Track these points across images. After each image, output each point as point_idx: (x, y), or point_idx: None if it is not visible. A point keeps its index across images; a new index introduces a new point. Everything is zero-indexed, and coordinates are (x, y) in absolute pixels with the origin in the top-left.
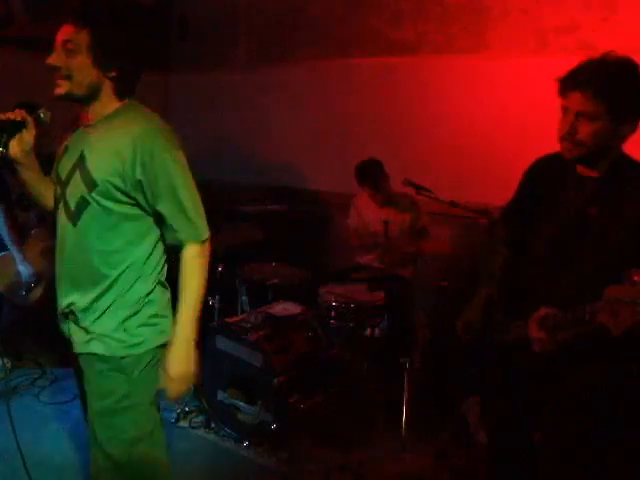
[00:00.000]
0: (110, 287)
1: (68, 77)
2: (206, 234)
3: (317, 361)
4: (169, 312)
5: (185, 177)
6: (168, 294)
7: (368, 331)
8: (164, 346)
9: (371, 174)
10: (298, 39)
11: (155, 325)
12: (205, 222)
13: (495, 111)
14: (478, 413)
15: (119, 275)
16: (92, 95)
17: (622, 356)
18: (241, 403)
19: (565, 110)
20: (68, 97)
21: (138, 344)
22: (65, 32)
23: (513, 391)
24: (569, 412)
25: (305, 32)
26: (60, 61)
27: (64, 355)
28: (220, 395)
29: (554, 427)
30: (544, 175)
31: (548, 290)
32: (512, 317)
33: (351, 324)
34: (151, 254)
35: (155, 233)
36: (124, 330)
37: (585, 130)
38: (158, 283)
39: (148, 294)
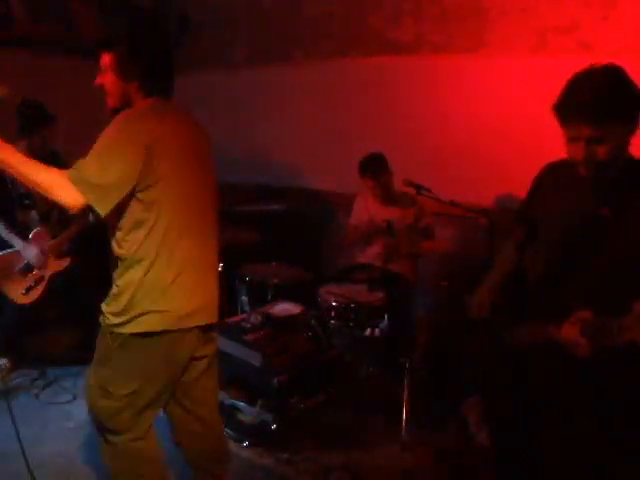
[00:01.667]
0: None
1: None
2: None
3: (317, 361)
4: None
5: (110, 142)
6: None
7: (368, 331)
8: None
9: (372, 166)
10: (298, 39)
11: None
12: (86, 187)
13: (495, 111)
14: (478, 413)
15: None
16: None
17: (628, 359)
18: (241, 403)
19: (572, 139)
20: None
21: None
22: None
23: (515, 392)
24: (571, 413)
25: (305, 32)
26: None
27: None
28: (220, 395)
29: (556, 428)
30: (554, 179)
31: (561, 292)
32: (520, 319)
33: (351, 324)
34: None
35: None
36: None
37: (602, 151)
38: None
39: None
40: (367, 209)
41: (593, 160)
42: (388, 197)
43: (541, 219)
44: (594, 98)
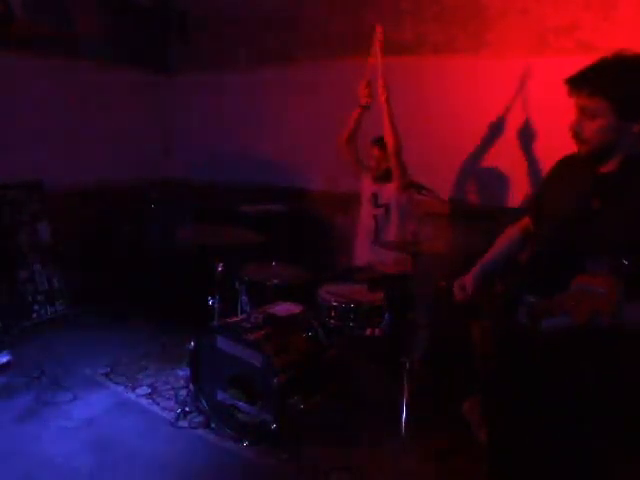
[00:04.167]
0: None
1: None
2: None
3: (317, 361)
4: None
5: None
6: None
7: (368, 331)
8: None
9: (382, 140)
10: (298, 39)
11: None
12: None
13: (495, 111)
14: (478, 413)
15: None
16: None
17: (622, 356)
18: (241, 403)
19: (576, 108)
20: None
21: None
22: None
23: (514, 391)
24: (569, 413)
25: (305, 32)
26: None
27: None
28: (220, 395)
29: (554, 428)
30: (562, 172)
31: (551, 281)
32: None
33: (351, 324)
34: None
35: None
36: None
37: (588, 127)
38: None
39: None
40: (363, 194)
41: (578, 132)
42: (383, 176)
43: (546, 208)
44: (601, 68)
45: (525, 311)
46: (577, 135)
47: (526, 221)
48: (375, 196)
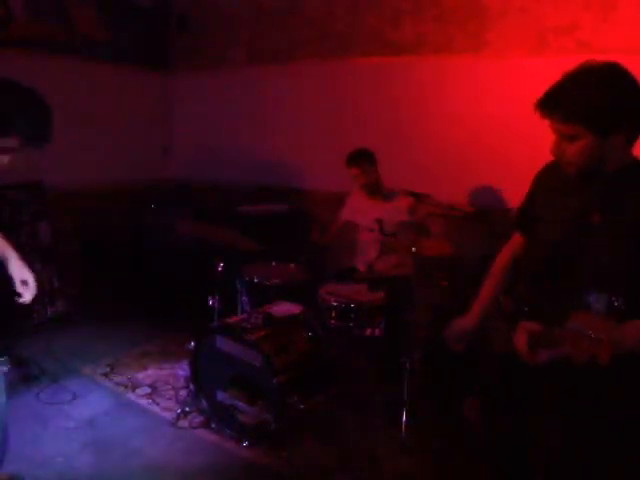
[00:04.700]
0: None
1: None
2: None
3: (317, 361)
4: None
5: None
6: None
7: (368, 331)
8: None
9: (357, 156)
10: (298, 39)
11: None
12: None
13: (494, 111)
14: (478, 413)
15: None
16: None
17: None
18: (241, 403)
19: (552, 130)
20: None
21: None
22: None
23: (513, 394)
24: (571, 415)
25: (305, 32)
26: None
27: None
28: (220, 395)
29: (554, 431)
30: (551, 180)
31: (548, 298)
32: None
33: (351, 324)
34: None
35: None
36: None
37: (571, 150)
38: None
39: None
40: (358, 211)
41: (560, 156)
42: (377, 191)
43: (541, 220)
44: (568, 89)
45: (524, 337)
46: (560, 158)
47: (516, 241)
48: (380, 222)
